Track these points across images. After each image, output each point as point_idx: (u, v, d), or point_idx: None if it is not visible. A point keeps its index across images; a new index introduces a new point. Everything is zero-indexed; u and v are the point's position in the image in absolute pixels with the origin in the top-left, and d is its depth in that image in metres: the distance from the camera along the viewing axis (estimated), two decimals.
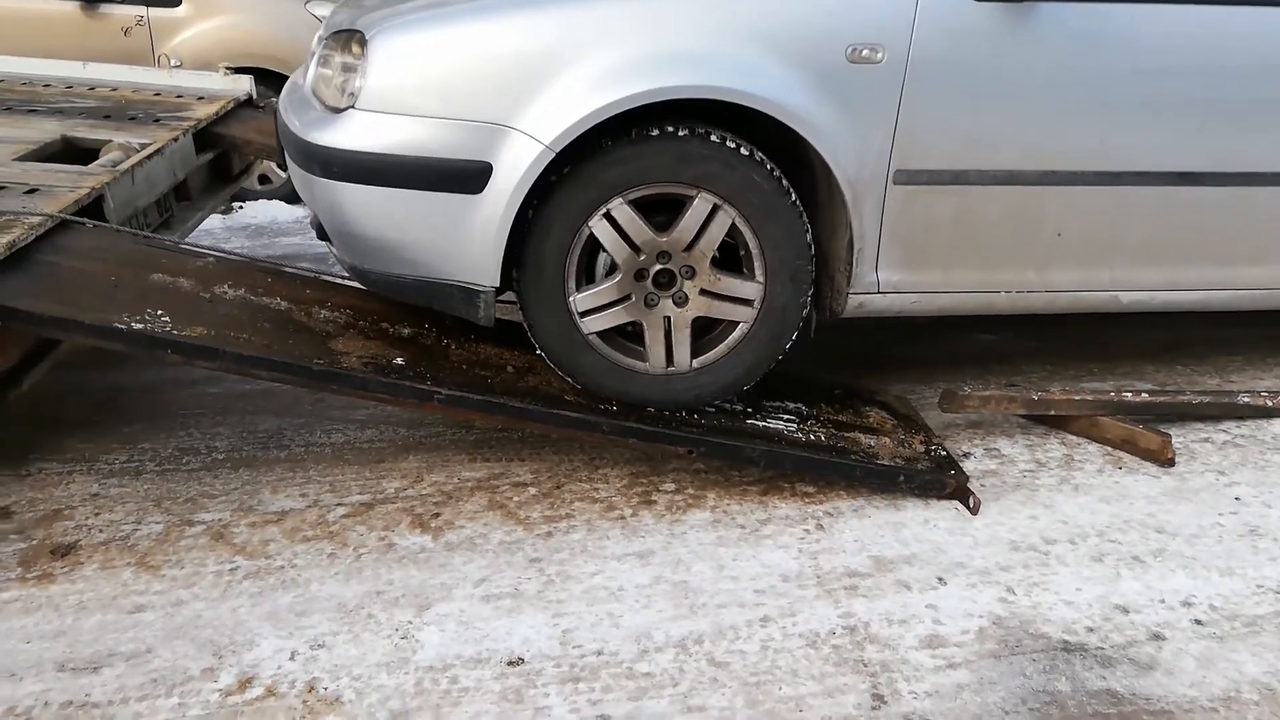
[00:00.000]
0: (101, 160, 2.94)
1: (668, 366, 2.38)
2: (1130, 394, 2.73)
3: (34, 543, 2.21)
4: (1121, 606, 2.05)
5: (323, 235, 2.50)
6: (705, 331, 2.41)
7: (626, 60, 2.16)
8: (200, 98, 3.73)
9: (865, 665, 1.87)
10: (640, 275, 2.30)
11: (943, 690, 1.81)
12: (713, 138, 2.21)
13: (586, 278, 2.33)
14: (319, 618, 1.97)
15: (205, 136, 3.42)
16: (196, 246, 2.80)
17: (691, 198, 2.23)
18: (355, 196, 2.25)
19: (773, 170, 2.26)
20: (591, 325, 2.33)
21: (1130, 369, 3.21)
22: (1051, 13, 2.31)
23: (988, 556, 2.20)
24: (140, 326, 2.15)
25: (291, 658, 1.86)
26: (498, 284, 2.28)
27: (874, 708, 1.76)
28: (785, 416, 2.52)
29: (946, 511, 2.37)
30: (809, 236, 2.32)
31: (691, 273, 2.31)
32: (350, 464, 2.57)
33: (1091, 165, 2.45)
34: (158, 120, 3.40)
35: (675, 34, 2.19)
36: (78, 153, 3.07)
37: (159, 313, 2.21)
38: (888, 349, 3.35)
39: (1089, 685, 1.83)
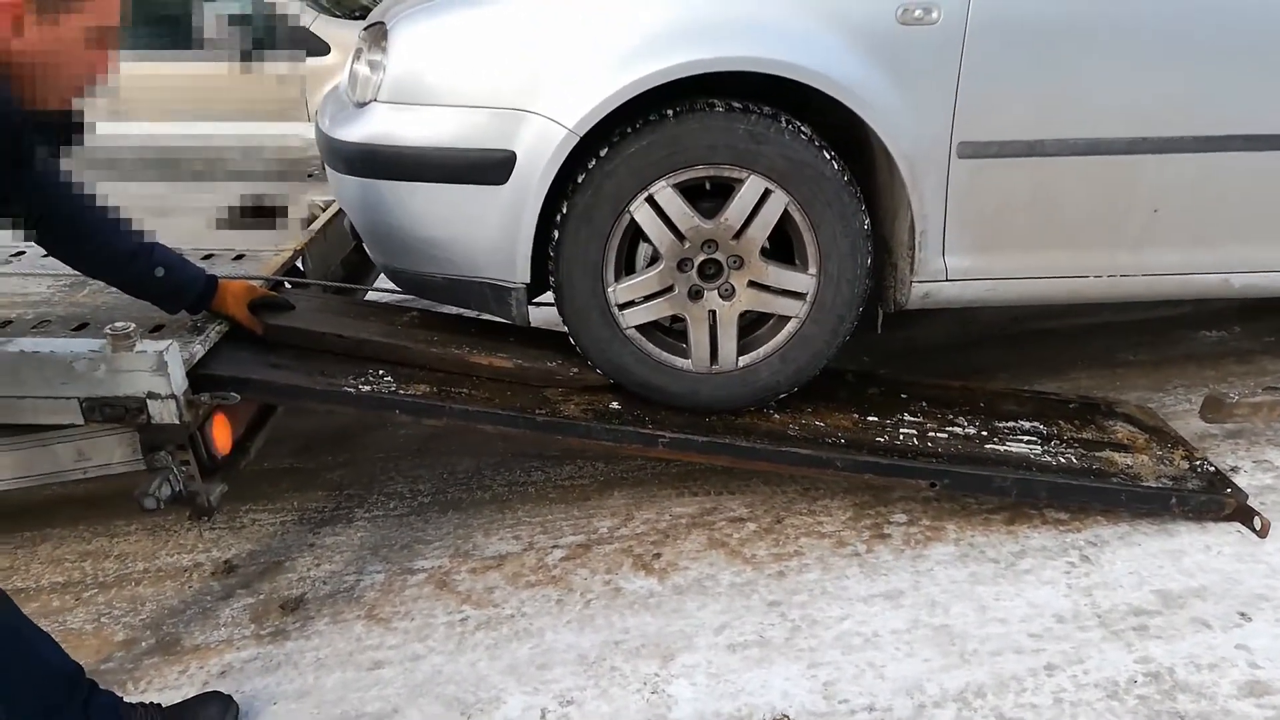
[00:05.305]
0: (290, 219, 2.99)
1: (711, 365, 2.20)
2: None
3: (261, 597, 2.20)
4: None
5: (356, 236, 2.40)
6: (753, 328, 2.23)
7: (652, 33, 1.97)
8: None
9: (1182, 718, 1.64)
10: (684, 265, 2.12)
11: None
12: (756, 113, 2.00)
13: (627, 269, 2.16)
14: (561, 670, 1.88)
15: None
16: (397, 300, 2.79)
17: (742, 180, 2.04)
18: (376, 192, 2.16)
19: (822, 148, 2.04)
20: (631, 319, 2.15)
21: None
22: None
23: None
24: (368, 389, 2.11)
25: (542, 717, 1.77)
26: (529, 280, 2.13)
27: None
28: (1024, 438, 2.30)
29: (1228, 535, 2.12)
30: (866, 221, 2.10)
31: (739, 263, 2.12)
32: (556, 503, 2.49)
33: (1189, 129, 2.12)
34: None
35: (706, 2, 1.98)
36: (265, 213, 3.13)
37: (380, 372, 2.18)
38: (1113, 352, 3.07)
39: None
